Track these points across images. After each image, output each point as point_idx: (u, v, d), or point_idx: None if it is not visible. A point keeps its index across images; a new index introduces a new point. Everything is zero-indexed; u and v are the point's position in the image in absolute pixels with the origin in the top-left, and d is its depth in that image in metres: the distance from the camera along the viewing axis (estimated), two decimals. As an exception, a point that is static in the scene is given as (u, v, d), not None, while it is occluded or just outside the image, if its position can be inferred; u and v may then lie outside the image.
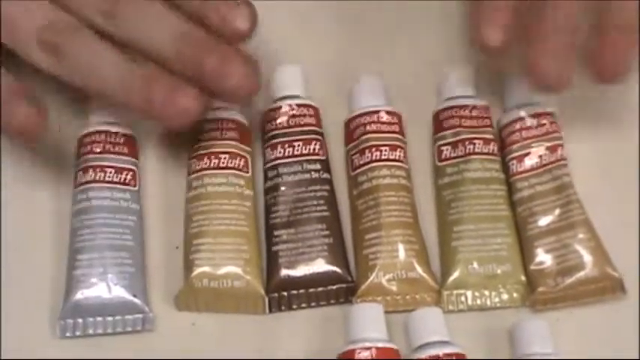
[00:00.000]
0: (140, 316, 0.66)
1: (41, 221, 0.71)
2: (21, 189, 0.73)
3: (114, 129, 0.71)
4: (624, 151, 0.73)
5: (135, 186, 0.70)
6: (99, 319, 0.66)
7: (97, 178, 0.69)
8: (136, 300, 0.66)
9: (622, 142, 0.74)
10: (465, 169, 0.70)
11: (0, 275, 0.68)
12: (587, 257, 0.66)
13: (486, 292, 0.67)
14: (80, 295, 0.66)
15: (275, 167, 0.71)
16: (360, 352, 0.62)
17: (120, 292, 0.66)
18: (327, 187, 0.70)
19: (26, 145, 0.68)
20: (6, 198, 0.72)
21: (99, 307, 0.66)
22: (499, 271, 0.67)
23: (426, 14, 0.80)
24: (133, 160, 0.71)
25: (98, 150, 0.70)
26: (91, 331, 0.66)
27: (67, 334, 0.66)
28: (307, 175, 0.70)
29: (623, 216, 0.70)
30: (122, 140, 0.71)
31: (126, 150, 0.71)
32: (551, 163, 0.70)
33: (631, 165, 0.73)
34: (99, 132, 0.71)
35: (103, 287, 0.66)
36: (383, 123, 0.71)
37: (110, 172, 0.70)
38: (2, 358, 0.66)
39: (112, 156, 0.70)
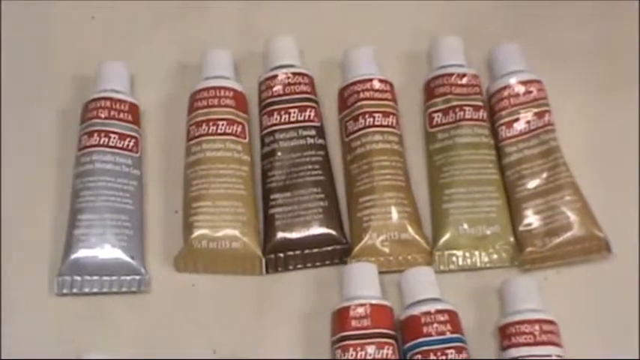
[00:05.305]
0: (137, 277, 0.68)
1: (42, 181, 0.72)
2: (23, 149, 0.74)
3: (119, 96, 0.72)
4: (613, 116, 0.75)
5: (137, 152, 0.71)
6: (96, 277, 0.68)
7: (102, 142, 0.70)
8: (132, 262, 0.68)
9: (611, 107, 0.75)
10: (456, 134, 0.71)
11: (0, 232, 0.70)
12: (574, 218, 0.68)
13: (476, 253, 0.69)
14: (79, 253, 0.67)
15: (271, 133, 0.72)
16: (355, 309, 0.65)
17: (117, 254, 0.68)
18: (321, 152, 0.71)
19: None
20: (8, 158, 0.73)
21: (97, 266, 0.68)
22: (489, 232, 0.69)
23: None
24: (136, 127, 0.72)
25: (104, 115, 0.71)
26: (87, 290, 0.68)
27: (65, 291, 0.67)
28: (303, 141, 0.71)
29: (609, 178, 0.72)
30: (127, 108, 0.72)
31: (130, 117, 0.72)
32: (539, 128, 0.71)
33: (617, 129, 0.74)
34: (105, 98, 0.72)
35: (101, 247, 0.68)
36: (376, 91, 0.72)
37: (114, 138, 0.71)
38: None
39: (117, 122, 0.72)
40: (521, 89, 0.73)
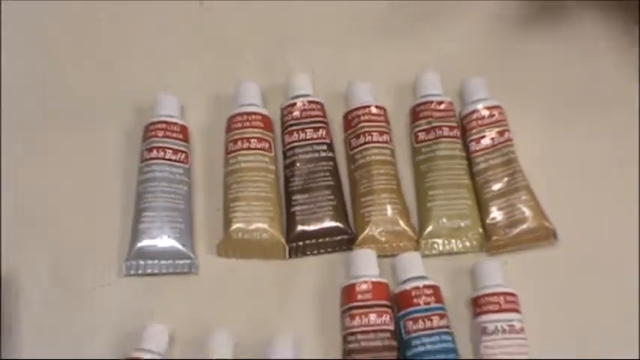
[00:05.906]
0: (188, 261, 0.76)
1: (112, 187, 0.81)
2: (97, 162, 0.83)
3: (172, 120, 0.81)
4: (558, 133, 0.82)
5: (187, 164, 0.80)
6: (156, 261, 0.75)
7: (160, 156, 0.78)
8: (184, 249, 0.76)
9: (556, 127, 0.82)
10: (436, 148, 0.79)
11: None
12: (528, 213, 0.76)
13: (453, 241, 0.76)
14: (143, 243, 0.75)
15: (292, 148, 0.79)
16: (359, 285, 0.72)
17: (172, 243, 0.76)
18: (331, 163, 0.79)
19: None
20: (84, 172, 0.82)
21: (156, 252, 0.75)
22: (462, 225, 0.76)
23: (403, 29, 0.89)
24: (186, 144, 0.81)
25: (161, 135, 0.79)
26: (149, 271, 0.75)
27: (132, 272, 0.75)
28: (316, 154, 0.79)
29: (556, 181, 0.79)
30: (178, 129, 0.81)
31: (181, 136, 0.80)
32: (501, 143, 0.79)
33: (562, 143, 0.81)
34: (161, 122, 0.80)
35: (160, 238, 0.76)
36: (373, 115, 0.80)
37: (169, 153, 0.78)
38: (81, 287, 0.74)
39: (171, 140, 0.79)
40: (486, 113, 0.79)
